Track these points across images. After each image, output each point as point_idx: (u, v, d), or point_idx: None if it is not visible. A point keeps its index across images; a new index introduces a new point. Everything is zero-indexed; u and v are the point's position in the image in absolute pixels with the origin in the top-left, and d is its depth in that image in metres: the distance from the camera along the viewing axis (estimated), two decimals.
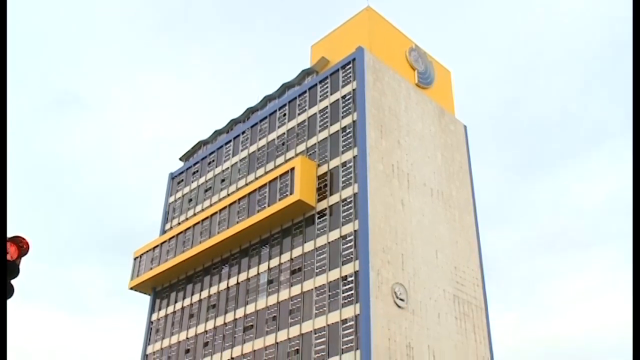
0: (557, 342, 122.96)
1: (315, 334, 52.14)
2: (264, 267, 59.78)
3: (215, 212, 65.31)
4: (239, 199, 63.14)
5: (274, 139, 66.26)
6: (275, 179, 59.83)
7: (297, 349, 52.98)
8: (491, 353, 58.02)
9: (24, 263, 10.43)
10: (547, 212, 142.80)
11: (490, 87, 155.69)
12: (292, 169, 58.44)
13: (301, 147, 62.40)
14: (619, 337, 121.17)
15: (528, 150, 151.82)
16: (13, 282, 10.22)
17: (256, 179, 64.97)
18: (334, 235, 54.81)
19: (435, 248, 57.99)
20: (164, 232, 73.40)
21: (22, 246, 10.01)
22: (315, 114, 63.07)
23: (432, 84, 68.79)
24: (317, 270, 54.67)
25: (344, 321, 50.57)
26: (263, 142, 67.41)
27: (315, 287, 54.03)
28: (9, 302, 10.19)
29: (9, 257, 9.84)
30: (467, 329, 56.98)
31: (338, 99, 61.49)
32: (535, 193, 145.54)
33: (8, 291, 10.05)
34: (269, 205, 59.15)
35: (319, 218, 57.05)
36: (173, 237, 68.98)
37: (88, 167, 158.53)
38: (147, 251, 70.98)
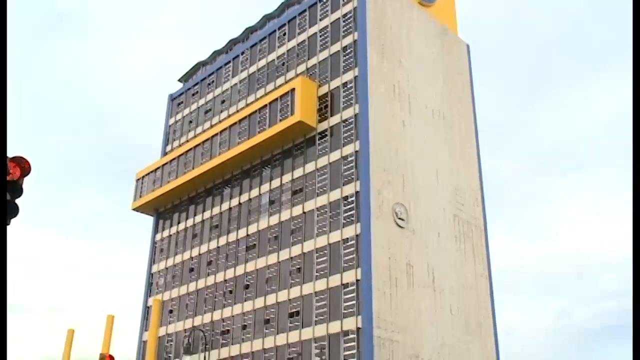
0: (554, 261, 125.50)
1: (317, 253, 53.08)
2: (265, 188, 60.24)
3: (216, 134, 65.23)
4: (240, 120, 62.93)
5: (273, 60, 65.36)
6: (276, 99, 59.41)
7: (299, 268, 54.10)
8: (489, 272, 59.24)
9: (27, 186, 10.47)
10: (548, 133, 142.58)
11: (494, 3, 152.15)
12: (293, 89, 57.93)
13: (301, 68, 61.63)
14: (615, 256, 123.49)
15: (530, 71, 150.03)
16: (17, 202, 10.27)
17: (256, 100, 64.52)
18: (335, 156, 54.93)
19: (436, 169, 58.22)
20: (165, 154, 73.56)
21: (24, 166, 10.02)
22: (315, 33, 61.95)
23: (435, 1, 67.13)
24: (318, 191, 55.12)
25: (345, 240, 51.39)
26: (263, 62, 66.52)
27: (317, 207, 54.62)
28: (14, 221, 10.28)
29: (11, 177, 9.86)
30: (466, 248, 57.96)
31: (339, 18, 60.23)
32: (537, 114, 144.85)
33: (13, 210, 10.13)
34: (269, 127, 59.01)
35: (319, 139, 57.02)
36: (174, 158, 69.19)
37: (86, 89, 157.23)
38: (149, 173, 71.37)
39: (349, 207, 52.21)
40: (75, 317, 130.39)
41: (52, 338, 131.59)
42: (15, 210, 10.05)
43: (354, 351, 47.69)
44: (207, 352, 50.91)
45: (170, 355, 61.81)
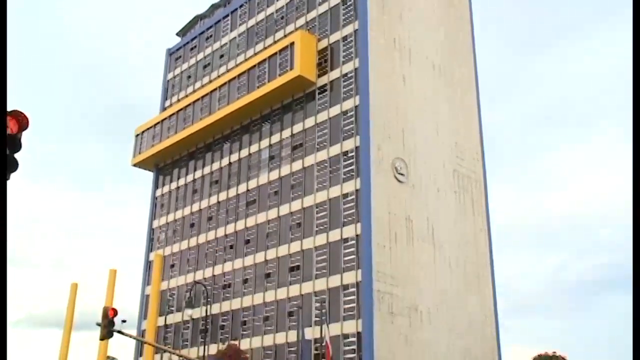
0: (553, 215, 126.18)
1: (317, 207, 53.31)
2: (265, 143, 60.12)
3: (215, 89, 64.77)
4: (239, 75, 62.40)
5: (272, 13, 64.41)
6: (275, 54, 58.78)
7: (299, 223, 54.39)
8: (488, 226, 59.58)
9: (27, 141, 10.42)
10: (549, 86, 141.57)
11: None
12: (292, 43, 57.26)
13: (301, 21, 60.79)
14: (613, 210, 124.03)
15: (533, 24, 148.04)
16: (16, 156, 10.23)
17: (255, 54, 63.83)
18: (335, 110, 54.66)
19: (436, 123, 57.99)
20: (164, 109, 73.18)
21: (22, 120, 9.94)
22: None
23: None
24: (318, 146, 55.03)
25: (345, 195, 51.55)
26: (262, 15, 65.57)
27: (316, 163, 54.62)
28: (14, 176, 10.25)
29: (9, 132, 9.80)
30: (466, 202, 58.17)
31: None
32: (538, 67, 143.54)
33: (12, 165, 10.09)
34: (268, 81, 58.55)
35: (319, 94, 56.64)
36: (173, 114, 68.86)
37: (84, 44, 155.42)
38: (148, 128, 71.12)
39: (348, 162, 52.20)
40: (78, 272, 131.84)
41: (56, 292, 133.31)
42: (14, 165, 10.01)
43: (354, 304, 48.31)
44: (208, 306, 51.60)
45: (172, 308, 62.66)
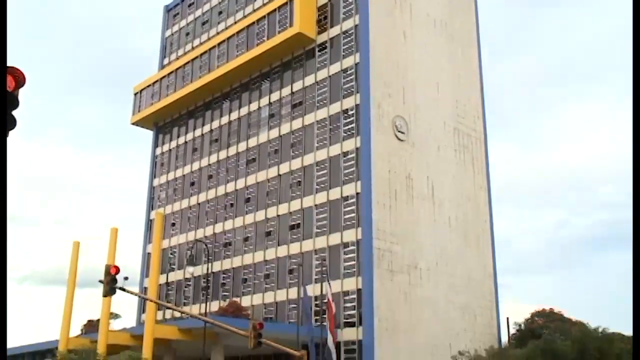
0: (554, 173, 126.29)
1: (317, 166, 53.28)
2: (264, 101, 59.76)
3: (214, 46, 64.07)
4: (238, 32, 61.64)
5: None
6: (274, 10, 57.96)
7: (299, 181, 54.45)
8: (488, 184, 59.67)
9: (25, 98, 10.30)
10: (550, 45, 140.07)
11: None
12: (291, 0, 56.38)
13: None
14: (613, 168, 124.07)
15: None
16: (13, 114, 10.12)
17: (254, 10, 62.91)
18: (335, 68, 54.16)
19: (437, 81, 57.55)
20: (162, 67, 72.51)
21: (18, 77, 9.80)
22: None
23: None
24: (318, 104, 54.71)
25: (345, 154, 51.47)
26: None
27: (317, 121, 54.39)
28: (13, 134, 10.17)
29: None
30: (466, 160, 58.13)
31: None
32: (540, 25, 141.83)
33: (10, 122, 9.99)
34: (268, 39, 57.88)
35: (319, 51, 56.05)
36: (172, 72, 68.28)
37: (80, 1, 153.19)
38: (147, 86, 70.61)
39: (349, 120, 51.97)
40: (80, 230, 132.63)
41: (59, 250, 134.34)
42: (12, 123, 9.91)
43: (354, 262, 48.70)
44: (209, 264, 52.00)
45: (174, 266, 63.21)
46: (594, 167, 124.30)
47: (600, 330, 49.68)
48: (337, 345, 41.42)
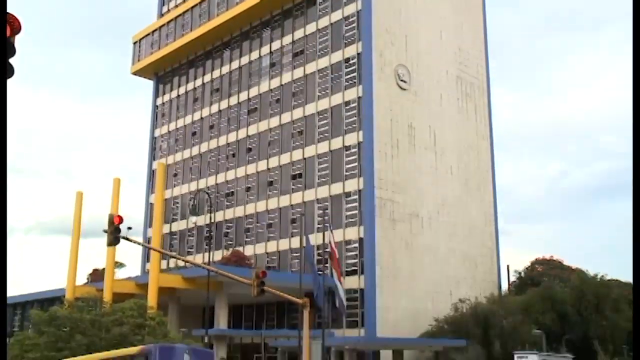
0: (557, 123, 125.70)
1: (319, 115, 53.04)
2: (265, 50, 59.08)
3: None
4: None
5: None
6: None
7: (301, 131, 54.29)
8: (490, 132, 59.45)
9: (23, 49, 10.16)
10: None
11: None
12: None
13: None
14: (616, 118, 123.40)
15: None
16: (11, 62, 10.00)
17: None
18: (336, 16, 53.31)
19: (440, 29, 56.70)
20: (161, 15, 71.44)
21: (13, 23, 9.62)
22: None
23: None
24: (320, 53, 54.08)
25: (347, 103, 51.16)
26: None
27: (318, 70, 53.86)
28: (12, 85, 10.07)
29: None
30: (469, 109, 57.78)
31: None
32: None
33: (7, 70, 9.86)
34: None
35: None
36: (171, 20, 67.33)
37: None
38: (146, 35, 69.75)
39: (350, 69, 51.46)
40: (82, 181, 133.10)
41: (62, 200, 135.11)
42: (10, 71, 9.79)
43: (356, 211, 48.95)
44: (212, 214, 52.29)
45: (176, 216, 63.61)
46: (596, 116, 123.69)
47: (598, 277, 50.34)
48: None
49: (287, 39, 57.13)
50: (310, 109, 53.68)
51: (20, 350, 31.84)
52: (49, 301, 45.97)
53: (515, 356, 25.25)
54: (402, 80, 52.13)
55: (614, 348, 43.60)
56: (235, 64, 61.77)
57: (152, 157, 68.66)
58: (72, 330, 31.38)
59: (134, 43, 70.83)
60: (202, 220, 54.09)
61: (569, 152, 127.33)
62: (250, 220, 56.77)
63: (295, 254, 51.14)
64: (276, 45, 58.09)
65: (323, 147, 52.07)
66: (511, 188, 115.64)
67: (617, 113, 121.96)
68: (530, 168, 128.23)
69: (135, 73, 70.61)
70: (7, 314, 59.03)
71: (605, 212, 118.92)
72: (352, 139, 50.15)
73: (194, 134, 64.76)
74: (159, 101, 70.09)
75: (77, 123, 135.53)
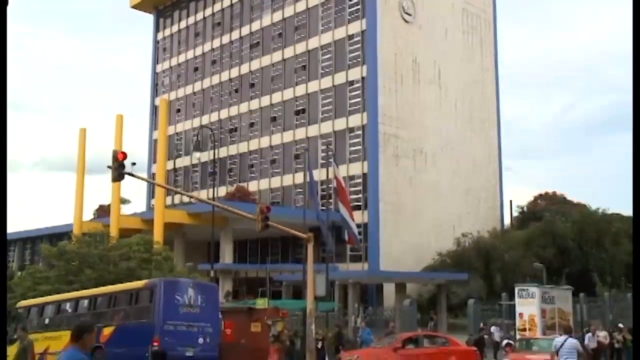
0: (563, 56, 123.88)
1: (322, 50, 52.34)
2: None
3: None
4: None
5: None
6: None
7: (304, 65, 53.69)
8: (496, 66, 58.73)
9: None
10: None
11: None
12: None
13: None
14: (622, 50, 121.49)
15: None
16: None
17: None
18: None
19: None
20: None
21: None
22: None
23: None
24: None
25: (350, 37, 50.40)
26: None
27: (321, 3, 52.86)
28: (12, 20, 9.92)
29: None
30: (474, 43, 56.90)
31: None
32: None
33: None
34: None
35: None
36: None
37: None
38: None
39: (354, 1, 50.45)
40: (85, 118, 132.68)
41: (66, 137, 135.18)
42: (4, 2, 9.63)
43: (360, 147, 48.95)
44: (216, 149, 52.30)
45: (180, 152, 63.69)
46: (604, 49, 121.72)
47: (599, 211, 50.66)
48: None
49: None
50: (314, 43, 52.92)
51: (32, 283, 32.58)
52: (58, 236, 46.62)
53: (516, 289, 25.64)
54: (406, 13, 51.17)
55: (613, 280, 44.30)
56: None
57: (155, 93, 68.18)
58: (81, 264, 31.98)
59: None
60: (205, 156, 54.14)
61: (576, 86, 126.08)
62: (254, 156, 56.85)
63: (299, 190, 51.42)
64: None
65: (326, 82, 51.61)
66: (516, 123, 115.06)
67: (625, 46, 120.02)
68: (535, 103, 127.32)
69: (134, 7, 69.33)
70: (17, 251, 60.09)
71: (610, 145, 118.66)
72: (355, 73, 49.64)
73: (196, 69, 64.10)
74: (160, 36, 69.07)
75: (77, 59, 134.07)
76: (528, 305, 24.68)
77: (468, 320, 26.91)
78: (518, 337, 24.45)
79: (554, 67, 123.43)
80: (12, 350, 25.35)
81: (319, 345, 23.17)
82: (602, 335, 23.69)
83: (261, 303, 24.25)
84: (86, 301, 23.49)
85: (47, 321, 24.53)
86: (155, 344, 19.61)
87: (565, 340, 14.11)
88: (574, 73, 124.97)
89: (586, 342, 21.14)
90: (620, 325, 25.54)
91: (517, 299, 25.30)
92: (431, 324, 34.74)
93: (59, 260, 32.59)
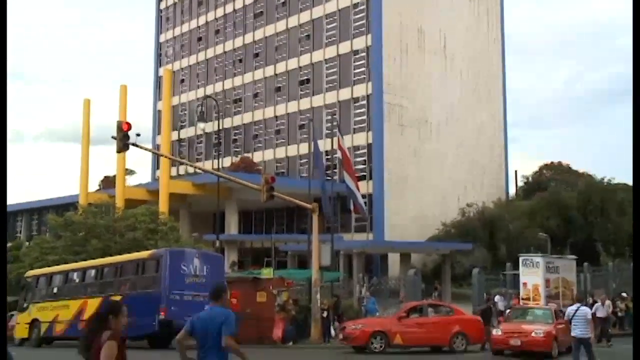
0: (572, 24, 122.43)
1: (326, 19, 51.88)
2: None
3: None
4: None
5: None
6: None
7: (308, 35, 53.27)
8: (502, 36, 58.13)
9: None
10: None
11: None
12: None
13: None
14: (631, 19, 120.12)
15: None
16: None
17: None
18: None
19: None
20: None
21: None
22: None
23: None
24: None
25: (355, 5, 49.91)
26: None
27: None
28: None
29: None
30: (480, 12, 56.25)
31: None
32: None
33: None
34: None
35: None
36: None
37: None
38: None
39: None
40: (89, 88, 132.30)
41: (70, 108, 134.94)
42: None
43: (364, 117, 48.79)
44: (220, 120, 52.21)
45: (184, 123, 63.60)
46: (612, 18, 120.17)
47: (605, 181, 50.58)
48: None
49: None
50: (318, 12, 52.42)
51: (40, 253, 32.90)
52: (64, 207, 46.90)
53: (521, 259, 25.72)
54: None
55: (617, 250, 44.37)
56: None
57: (158, 63, 67.83)
58: (87, 235, 32.22)
59: None
60: (210, 127, 54.06)
61: (583, 55, 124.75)
62: (258, 126, 56.74)
63: (303, 160, 51.41)
64: None
65: (331, 51, 51.25)
66: (522, 93, 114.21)
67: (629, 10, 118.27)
68: (542, 72, 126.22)
69: None
70: (24, 221, 60.48)
71: (616, 115, 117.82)
72: (360, 42, 49.25)
73: (199, 39, 63.65)
74: (163, 5, 68.46)
75: (79, 29, 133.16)
76: (532, 274, 24.77)
77: (472, 290, 27.07)
78: (512, 305, 24.66)
79: (561, 36, 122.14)
80: (22, 319, 25.79)
81: (324, 315, 23.38)
82: (606, 304, 23.83)
83: (266, 273, 24.46)
84: (93, 271, 23.74)
85: (55, 290, 24.83)
86: (162, 313, 19.85)
87: (577, 309, 14.63)
88: (582, 42, 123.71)
89: (596, 311, 21.28)
90: (624, 294, 25.69)
91: (521, 269, 25.38)
92: (435, 293, 34.95)
93: (65, 231, 32.85)
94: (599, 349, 17.27)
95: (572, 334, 14.53)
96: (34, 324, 24.49)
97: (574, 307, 14.85)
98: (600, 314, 21.76)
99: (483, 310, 21.87)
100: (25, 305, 25.68)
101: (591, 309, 19.74)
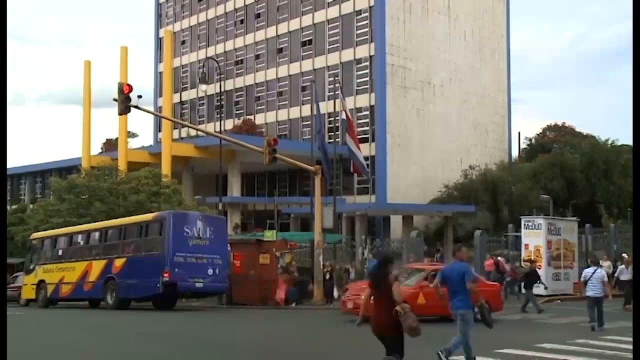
0: None
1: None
2: None
3: None
4: None
5: None
6: None
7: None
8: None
9: None
10: None
11: None
12: None
13: None
14: None
15: None
16: None
17: None
18: None
19: None
20: None
21: None
22: None
23: None
24: None
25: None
26: None
27: None
28: None
29: None
30: None
31: None
32: None
33: None
34: None
35: None
36: None
37: None
38: None
39: None
40: (89, 50, 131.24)
41: (71, 70, 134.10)
42: None
43: (367, 78, 48.42)
44: (222, 82, 51.86)
45: (186, 85, 63.19)
46: None
47: (609, 142, 50.41)
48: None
49: None
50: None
51: (44, 215, 33.08)
52: (67, 169, 46.96)
53: (523, 220, 25.80)
54: None
55: (619, 212, 44.46)
56: None
57: (159, 24, 67.06)
58: (91, 197, 32.35)
59: None
60: (212, 89, 53.81)
61: (590, 13, 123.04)
62: (260, 88, 56.38)
63: (306, 122, 51.20)
64: None
65: (333, 11, 50.61)
66: (526, 54, 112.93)
67: None
68: (547, 32, 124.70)
69: None
70: (28, 184, 60.66)
71: (622, 75, 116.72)
72: (363, 2, 48.61)
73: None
74: None
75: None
76: (534, 236, 24.89)
77: (474, 251, 27.20)
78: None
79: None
80: (29, 280, 26.07)
81: (327, 277, 23.56)
82: (606, 265, 23.91)
83: (269, 235, 24.59)
84: (97, 233, 23.91)
85: (60, 253, 25.06)
86: (165, 275, 20.05)
87: (594, 271, 15.16)
88: (588, 2, 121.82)
89: (620, 274, 20.79)
90: (624, 255, 25.78)
91: (523, 231, 25.48)
92: (437, 255, 35.19)
93: (69, 194, 32.96)
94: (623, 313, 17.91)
95: (588, 294, 15.09)
96: (40, 285, 24.80)
97: (591, 269, 15.35)
98: (625, 276, 20.80)
99: (527, 274, 20.92)
100: (31, 267, 25.96)
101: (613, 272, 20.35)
